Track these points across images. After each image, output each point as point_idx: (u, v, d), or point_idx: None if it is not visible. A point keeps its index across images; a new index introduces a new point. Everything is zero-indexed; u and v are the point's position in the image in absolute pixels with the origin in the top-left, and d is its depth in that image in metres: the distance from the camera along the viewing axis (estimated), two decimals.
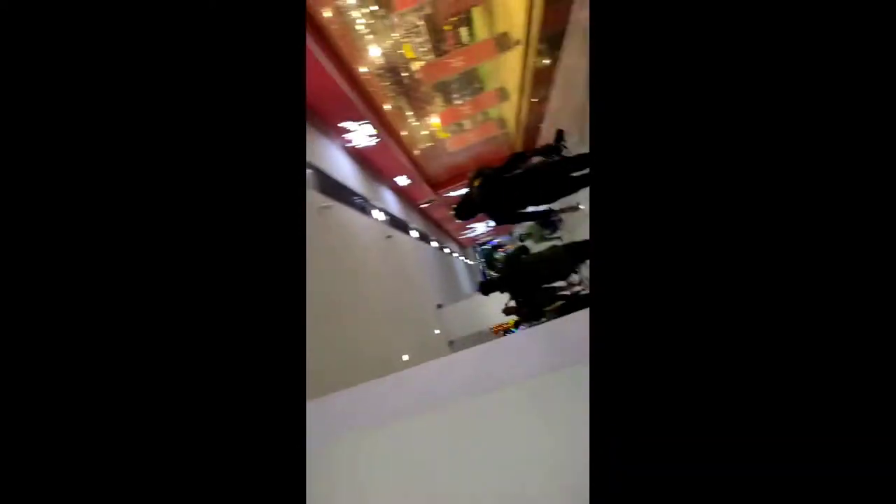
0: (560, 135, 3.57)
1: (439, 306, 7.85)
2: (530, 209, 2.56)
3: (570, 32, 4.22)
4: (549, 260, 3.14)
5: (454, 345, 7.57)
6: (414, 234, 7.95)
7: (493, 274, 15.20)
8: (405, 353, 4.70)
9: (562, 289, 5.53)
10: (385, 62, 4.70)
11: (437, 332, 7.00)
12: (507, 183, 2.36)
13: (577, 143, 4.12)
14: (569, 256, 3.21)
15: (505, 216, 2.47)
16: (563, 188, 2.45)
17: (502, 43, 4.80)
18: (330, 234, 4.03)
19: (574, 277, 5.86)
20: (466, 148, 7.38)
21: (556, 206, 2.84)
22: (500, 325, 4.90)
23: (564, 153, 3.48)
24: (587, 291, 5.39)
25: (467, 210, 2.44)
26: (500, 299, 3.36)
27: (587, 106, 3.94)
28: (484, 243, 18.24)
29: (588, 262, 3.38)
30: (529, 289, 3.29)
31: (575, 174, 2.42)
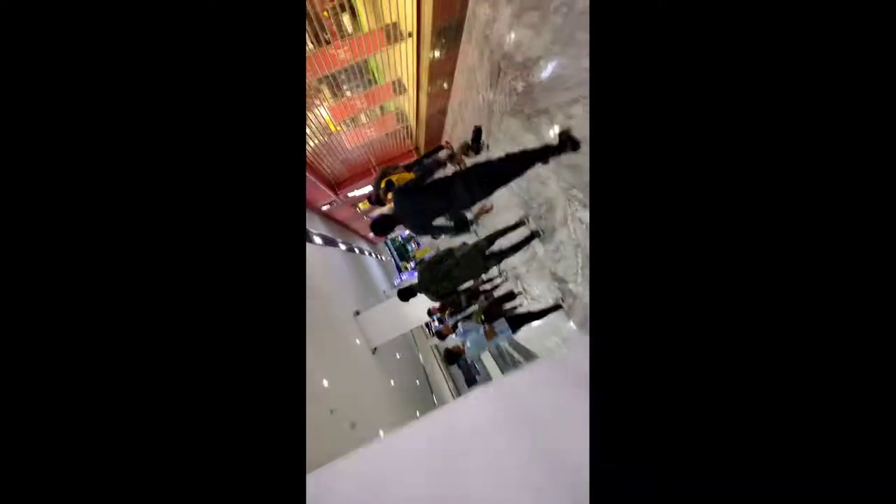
0: (478, 132, 3.44)
1: (357, 313, 7.42)
2: (448, 222, 2.54)
3: (468, 25, 4.10)
4: (464, 262, 3.28)
5: (378, 352, 7.25)
6: (317, 240, 7.30)
7: (407, 266, 15.10)
8: (325, 375, 4.30)
9: (482, 283, 5.61)
10: None
11: (357, 341, 6.61)
12: (424, 194, 2.30)
13: (485, 138, 4.09)
14: (482, 255, 3.38)
15: (424, 229, 2.44)
16: (482, 192, 2.38)
17: (392, 34, 4.48)
18: None
19: (493, 271, 6.01)
20: (365, 143, 6.93)
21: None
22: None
23: (483, 150, 3.37)
24: (506, 281, 5.57)
25: (385, 227, 2.38)
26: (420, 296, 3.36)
27: (490, 99, 3.76)
28: (394, 238, 18.08)
29: (503, 255, 3.58)
30: (449, 292, 3.37)
31: (488, 177, 2.38)
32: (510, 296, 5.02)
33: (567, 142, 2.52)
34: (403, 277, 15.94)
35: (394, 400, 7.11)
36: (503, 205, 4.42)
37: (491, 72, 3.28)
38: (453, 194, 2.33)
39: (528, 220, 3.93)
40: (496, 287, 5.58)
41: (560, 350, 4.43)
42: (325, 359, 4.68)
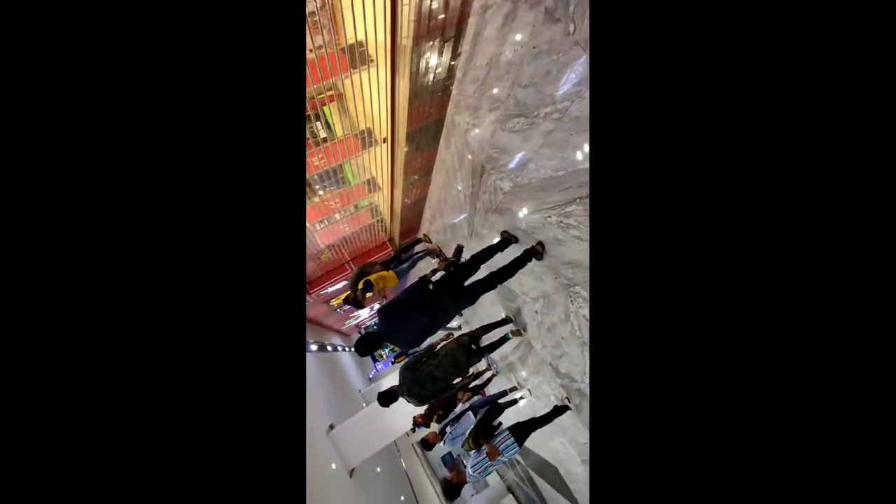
0: (459, 250, 3.56)
1: (330, 427, 6.54)
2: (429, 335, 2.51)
3: (446, 132, 4.28)
4: (446, 361, 3.19)
5: (355, 473, 6.26)
6: None
7: (383, 354, 14.25)
8: None
9: (471, 378, 5.15)
10: None
11: (333, 466, 5.68)
12: (408, 311, 2.29)
13: (467, 237, 4.04)
14: (465, 351, 3.32)
15: (413, 345, 2.43)
16: (466, 302, 2.43)
17: (367, 139, 4.61)
18: None
19: (481, 364, 5.58)
20: (340, 240, 6.79)
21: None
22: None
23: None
24: (496, 375, 5.15)
25: (369, 347, 2.35)
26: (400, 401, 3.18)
27: (471, 196, 3.67)
28: (368, 326, 17.38)
29: (487, 350, 3.56)
30: (432, 395, 3.24)
31: (468, 283, 2.45)
32: (501, 395, 4.59)
33: (510, 238, 2.81)
34: (379, 368, 14.84)
35: None
36: (489, 300, 4.24)
37: (473, 172, 3.32)
38: (440, 306, 2.31)
39: (513, 318, 3.79)
40: (488, 381, 5.15)
41: (567, 450, 3.94)
42: None
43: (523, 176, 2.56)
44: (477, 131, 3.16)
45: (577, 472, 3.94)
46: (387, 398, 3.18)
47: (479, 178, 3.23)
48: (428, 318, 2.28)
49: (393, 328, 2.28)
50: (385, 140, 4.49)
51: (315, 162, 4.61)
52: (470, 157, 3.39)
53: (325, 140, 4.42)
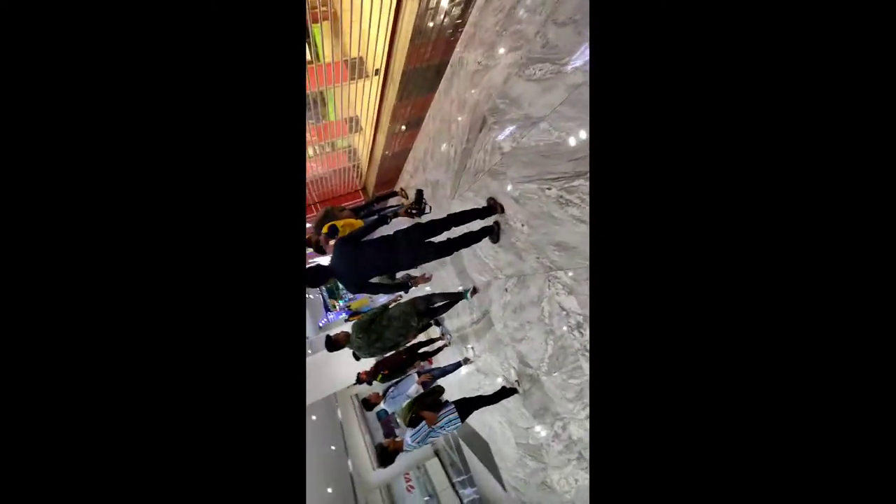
0: (420, 194, 3.39)
1: None
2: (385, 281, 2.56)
3: (451, 71, 3.84)
4: (396, 322, 3.23)
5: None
6: None
7: (336, 304, 14.09)
8: None
9: (423, 344, 5.03)
10: None
11: None
12: (366, 250, 2.22)
13: (448, 198, 3.71)
14: (416, 314, 3.35)
15: (359, 287, 2.33)
16: (423, 255, 2.35)
17: (357, 69, 4.09)
18: None
19: (437, 330, 5.44)
20: (310, 179, 6.26)
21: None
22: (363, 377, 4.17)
23: (425, 211, 3.29)
24: (448, 345, 5.06)
25: (316, 279, 2.27)
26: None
27: (462, 153, 3.32)
28: None
29: (436, 312, 3.61)
30: (382, 351, 3.35)
31: (430, 238, 2.36)
32: (455, 367, 4.50)
33: (496, 207, 2.66)
34: (330, 318, 14.60)
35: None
36: (457, 270, 4.02)
37: (472, 125, 2.95)
38: (396, 254, 2.24)
39: (467, 296, 3.80)
40: (438, 350, 5.04)
41: (504, 431, 3.94)
42: None
43: (530, 137, 2.25)
44: (488, 75, 2.76)
45: (509, 454, 3.95)
46: (333, 345, 3.16)
47: (476, 132, 2.87)
48: (380, 259, 2.22)
49: (344, 263, 2.20)
50: (377, 72, 3.99)
51: None
52: (472, 105, 2.99)
53: (308, 61, 3.88)
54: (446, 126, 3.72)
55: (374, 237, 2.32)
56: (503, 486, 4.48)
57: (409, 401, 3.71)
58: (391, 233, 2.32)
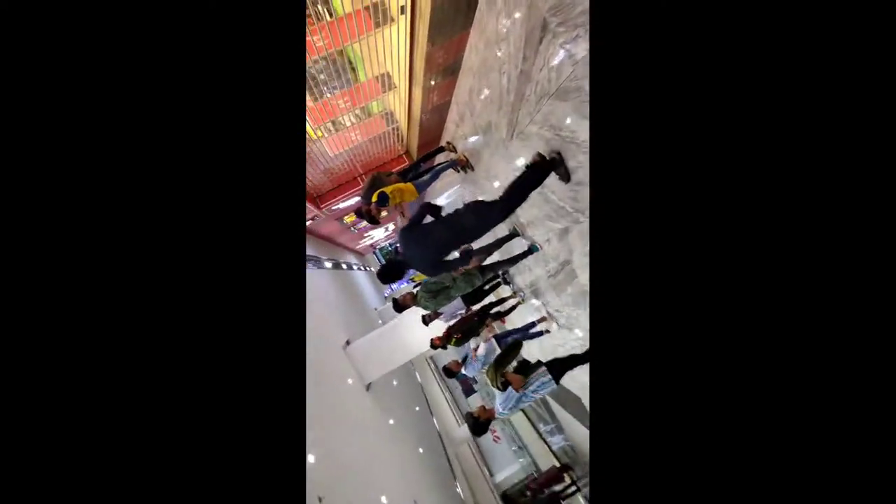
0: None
1: (347, 343, 6.49)
2: (453, 257, 2.39)
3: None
4: (461, 279, 3.33)
5: (371, 387, 6.32)
6: None
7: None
8: (311, 444, 3.39)
9: (494, 304, 4.80)
10: None
11: (349, 381, 5.67)
12: (430, 230, 2.15)
13: (505, 140, 3.22)
14: (479, 271, 3.38)
15: (436, 269, 2.32)
16: (497, 216, 2.21)
17: (380, 14, 3.63)
18: None
19: (506, 290, 5.16)
20: (350, 149, 6.04)
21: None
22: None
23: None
24: (521, 302, 4.78)
25: (392, 275, 2.27)
26: (415, 315, 3.52)
27: (520, 76, 2.64)
28: (383, 247, 17.21)
29: (499, 267, 3.69)
30: (451, 298, 3.42)
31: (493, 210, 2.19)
32: (531, 326, 4.21)
33: (558, 158, 2.35)
34: (395, 288, 14.97)
35: (394, 444, 6.18)
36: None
37: (528, 37, 2.39)
38: (462, 225, 2.14)
39: (519, 232, 3.70)
40: (511, 309, 4.77)
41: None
42: (313, 405, 3.76)
43: None
44: None
45: None
46: (399, 306, 3.29)
47: (535, 47, 2.31)
48: (450, 233, 2.12)
49: (413, 246, 2.14)
50: (402, 10, 3.50)
51: (319, 42, 3.71)
52: (524, 11, 2.40)
53: (328, 18, 3.49)
54: (492, 52, 3.17)
55: (435, 219, 2.26)
56: None
57: (488, 365, 3.52)
58: (451, 210, 2.27)
